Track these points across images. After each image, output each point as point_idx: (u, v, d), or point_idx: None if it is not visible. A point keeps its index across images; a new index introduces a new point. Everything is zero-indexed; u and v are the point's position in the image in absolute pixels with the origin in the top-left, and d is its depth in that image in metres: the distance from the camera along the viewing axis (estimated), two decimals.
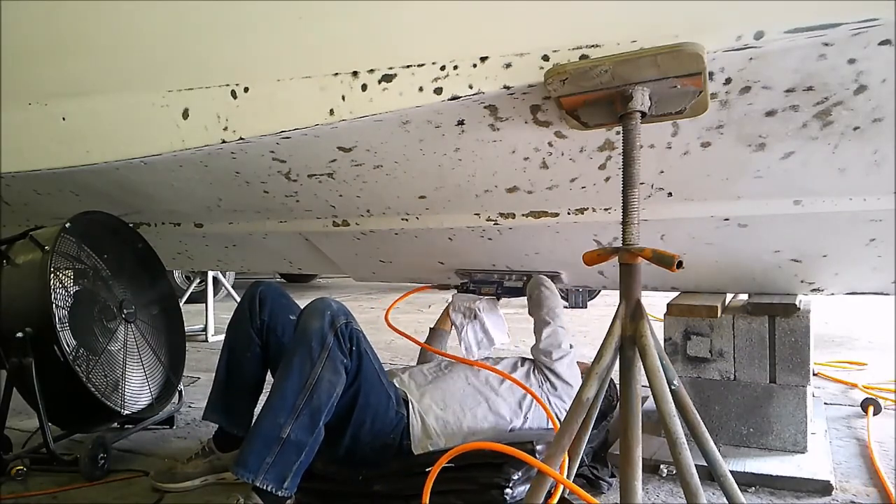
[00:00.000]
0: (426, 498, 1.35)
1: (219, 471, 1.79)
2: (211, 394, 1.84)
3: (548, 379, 1.83)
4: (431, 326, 2.24)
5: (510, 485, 1.49)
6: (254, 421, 1.47)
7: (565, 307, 2.13)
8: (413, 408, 1.68)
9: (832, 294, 1.93)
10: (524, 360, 1.93)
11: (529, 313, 2.00)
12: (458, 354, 1.99)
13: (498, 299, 2.21)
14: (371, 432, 1.60)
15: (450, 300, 2.20)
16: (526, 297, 2.09)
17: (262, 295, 1.81)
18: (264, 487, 1.42)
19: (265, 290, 1.83)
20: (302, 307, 1.63)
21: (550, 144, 1.54)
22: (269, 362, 1.84)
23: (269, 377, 1.84)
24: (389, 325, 2.19)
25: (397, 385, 1.73)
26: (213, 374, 1.85)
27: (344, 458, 1.63)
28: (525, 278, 2.16)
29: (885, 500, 1.61)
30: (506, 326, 2.17)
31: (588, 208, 1.80)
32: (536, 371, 1.87)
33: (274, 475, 1.43)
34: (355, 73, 1.45)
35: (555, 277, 2.14)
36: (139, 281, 2.23)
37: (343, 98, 1.47)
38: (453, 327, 2.17)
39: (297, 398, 1.45)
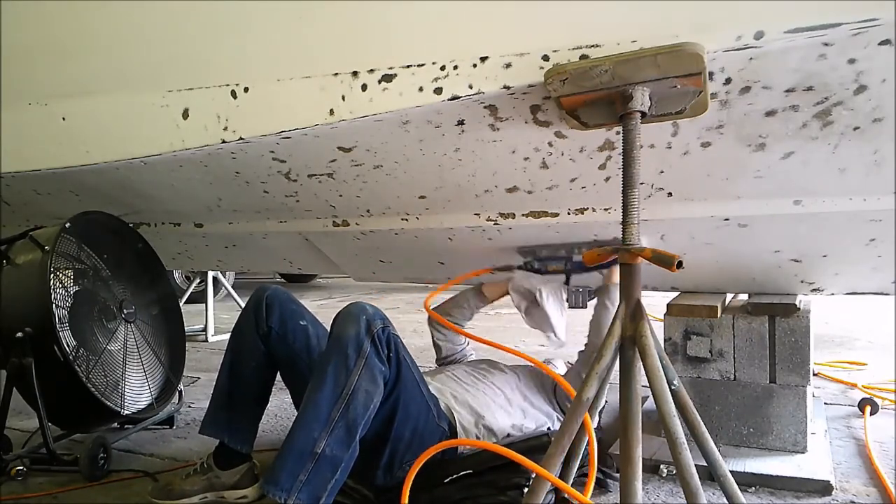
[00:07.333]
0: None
1: (217, 489, 1.69)
2: (210, 406, 1.73)
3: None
4: (456, 296, 2.03)
5: (529, 483, 1.49)
6: (286, 435, 1.38)
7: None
8: (456, 420, 1.60)
9: (832, 294, 1.93)
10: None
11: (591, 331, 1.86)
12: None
13: (567, 280, 1.95)
14: (411, 449, 1.49)
15: (512, 276, 1.97)
16: (596, 298, 1.89)
17: (270, 300, 1.69)
18: None
19: (272, 294, 1.70)
20: (308, 312, 1.56)
21: (550, 144, 1.54)
22: (282, 371, 1.74)
23: (275, 389, 1.78)
24: (430, 313, 1.97)
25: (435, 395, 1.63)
26: (213, 376, 1.81)
27: (383, 484, 1.47)
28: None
29: (886, 500, 1.61)
30: (564, 320, 1.91)
31: (588, 208, 1.80)
32: (556, 403, 1.82)
33: (307, 494, 1.33)
34: (355, 73, 1.45)
35: None
36: (139, 281, 2.23)
37: (343, 98, 1.47)
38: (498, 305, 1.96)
39: (332, 410, 1.36)
